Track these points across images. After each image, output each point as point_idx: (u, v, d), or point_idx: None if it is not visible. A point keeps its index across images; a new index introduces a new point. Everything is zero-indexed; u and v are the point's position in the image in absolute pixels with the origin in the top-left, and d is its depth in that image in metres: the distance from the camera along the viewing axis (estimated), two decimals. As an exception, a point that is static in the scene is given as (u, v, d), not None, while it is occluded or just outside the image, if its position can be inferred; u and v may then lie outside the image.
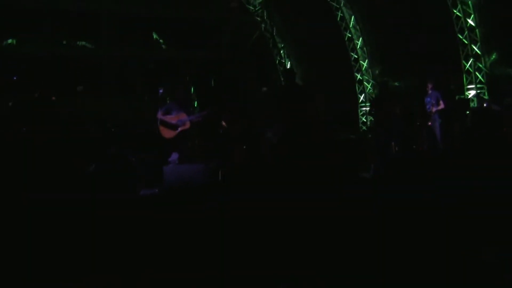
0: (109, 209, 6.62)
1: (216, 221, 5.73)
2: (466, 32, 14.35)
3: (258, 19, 21.32)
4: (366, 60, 18.11)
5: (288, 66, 20.74)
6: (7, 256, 4.45)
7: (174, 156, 10.52)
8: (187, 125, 10.76)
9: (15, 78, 19.35)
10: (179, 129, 10.61)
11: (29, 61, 18.85)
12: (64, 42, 21.43)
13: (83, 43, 21.71)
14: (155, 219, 6.16)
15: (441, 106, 12.10)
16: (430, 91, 12.20)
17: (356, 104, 18.51)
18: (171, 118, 10.62)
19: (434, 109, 12.03)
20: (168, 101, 11.46)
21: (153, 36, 22.94)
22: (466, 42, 14.43)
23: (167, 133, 10.68)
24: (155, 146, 12.62)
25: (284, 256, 4.17)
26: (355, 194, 7.16)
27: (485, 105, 12.49)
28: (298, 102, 9.98)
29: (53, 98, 9.77)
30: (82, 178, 9.03)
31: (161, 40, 23.03)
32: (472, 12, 14.18)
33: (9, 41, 20.66)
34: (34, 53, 19.25)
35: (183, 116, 10.70)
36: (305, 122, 10.15)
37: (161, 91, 12.37)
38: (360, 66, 18.21)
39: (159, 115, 10.73)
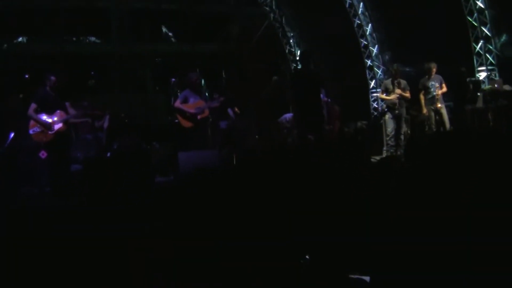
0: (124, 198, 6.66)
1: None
2: (476, 14, 14.31)
3: (267, 9, 21.34)
4: (376, 46, 18.11)
5: (300, 52, 20.72)
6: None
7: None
8: (206, 113, 10.78)
9: (26, 76, 19.50)
10: (199, 117, 10.62)
11: (39, 59, 18.92)
12: (74, 39, 21.56)
13: (93, 39, 21.84)
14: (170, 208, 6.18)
15: (444, 89, 12.14)
16: (433, 75, 12.22)
17: (367, 90, 18.52)
18: (189, 107, 10.63)
19: (439, 92, 12.05)
20: (183, 90, 11.43)
21: (162, 30, 23.03)
22: (475, 24, 14.39)
23: (186, 123, 10.69)
24: (169, 136, 12.73)
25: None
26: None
27: (496, 86, 12.49)
28: (310, 87, 10.05)
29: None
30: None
31: (170, 34, 23.13)
32: (481, -7, 14.16)
33: (19, 39, 20.81)
34: (44, 51, 19.33)
35: (201, 104, 10.72)
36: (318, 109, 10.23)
37: (173, 80, 12.46)
38: (370, 52, 18.21)
39: (177, 104, 10.74)
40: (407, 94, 12.28)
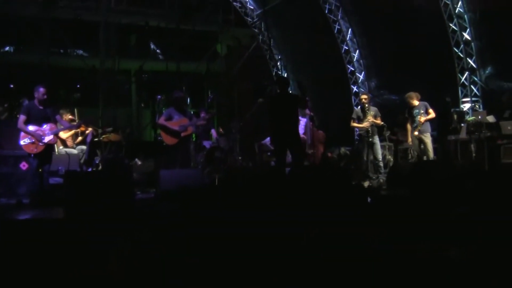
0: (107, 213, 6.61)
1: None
2: (462, 46, 14.47)
3: (256, 31, 21.44)
4: (363, 72, 18.22)
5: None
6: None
7: None
8: (189, 131, 10.81)
9: (11, 86, 19.40)
10: (182, 134, 10.62)
11: (25, 69, 18.81)
12: (61, 51, 21.49)
13: (81, 52, 21.79)
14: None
15: (432, 114, 12.11)
16: (417, 102, 12.24)
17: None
18: (173, 124, 10.61)
19: (423, 119, 12.04)
20: (168, 107, 11.49)
21: (150, 46, 23.04)
22: (461, 55, 14.54)
23: (169, 139, 10.68)
24: (151, 153, 12.69)
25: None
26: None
27: (479, 117, 12.57)
28: (288, 109, 10.01)
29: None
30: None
31: (158, 51, 23.14)
32: (467, 26, 14.31)
33: (6, 48, 20.73)
34: (30, 61, 19.23)
35: (185, 122, 10.71)
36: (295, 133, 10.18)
37: (159, 97, 12.45)
38: (357, 78, 18.31)
39: (161, 121, 10.74)
40: (378, 121, 12.36)
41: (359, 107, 12.70)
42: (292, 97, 10.51)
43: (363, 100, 12.58)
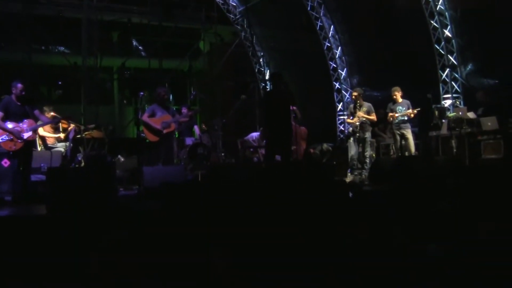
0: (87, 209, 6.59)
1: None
2: (443, 43, 14.58)
3: (238, 27, 21.45)
4: (345, 69, 18.29)
5: (269, 72, 20.84)
6: None
7: None
8: (172, 127, 10.82)
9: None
10: (164, 131, 10.63)
11: (6, 66, 18.62)
12: (43, 48, 21.32)
13: (62, 49, 21.62)
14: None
15: (412, 115, 12.21)
16: (401, 99, 12.36)
17: (334, 112, 18.69)
18: (156, 121, 10.63)
19: (406, 118, 12.19)
20: (151, 104, 11.50)
21: (132, 43, 22.93)
22: (442, 52, 14.65)
23: (152, 136, 10.70)
24: (134, 149, 12.66)
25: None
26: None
27: (460, 113, 12.67)
28: (283, 105, 10.05)
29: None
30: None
31: (140, 47, 23.04)
32: (448, 23, 14.42)
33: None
34: (12, 58, 19.04)
35: (168, 118, 10.72)
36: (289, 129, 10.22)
37: (141, 93, 12.44)
38: (339, 75, 18.38)
39: (144, 117, 10.74)
40: (372, 117, 12.40)
41: (352, 103, 12.79)
42: (285, 93, 10.51)
43: (353, 96, 12.71)
